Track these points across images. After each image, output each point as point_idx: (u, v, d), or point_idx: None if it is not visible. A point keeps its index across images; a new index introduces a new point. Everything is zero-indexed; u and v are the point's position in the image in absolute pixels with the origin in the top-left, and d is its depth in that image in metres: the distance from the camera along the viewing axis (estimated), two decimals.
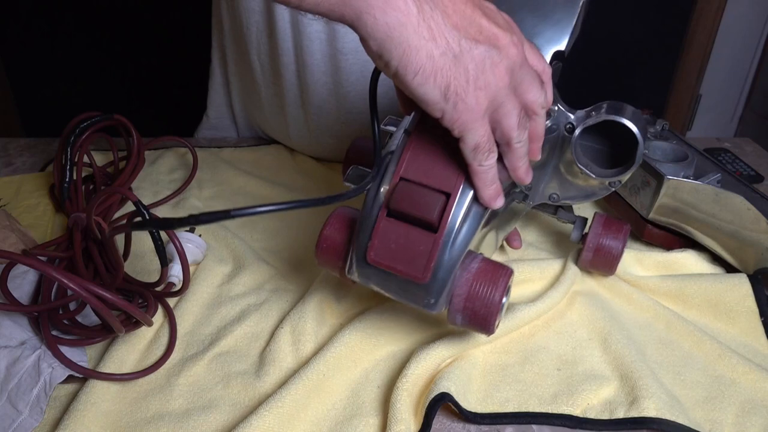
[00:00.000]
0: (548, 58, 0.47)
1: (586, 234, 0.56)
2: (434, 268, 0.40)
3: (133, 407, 0.45)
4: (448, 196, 0.40)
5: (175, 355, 0.49)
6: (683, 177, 0.56)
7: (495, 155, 0.40)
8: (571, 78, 0.63)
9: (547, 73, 0.43)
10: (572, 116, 0.49)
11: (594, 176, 0.50)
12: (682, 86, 1.85)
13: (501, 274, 0.43)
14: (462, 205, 0.41)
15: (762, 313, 0.54)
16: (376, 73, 0.42)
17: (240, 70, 0.80)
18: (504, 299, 0.42)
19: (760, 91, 1.86)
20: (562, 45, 0.47)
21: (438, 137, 0.41)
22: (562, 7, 0.48)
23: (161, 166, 0.76)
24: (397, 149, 0.43)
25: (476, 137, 0.38)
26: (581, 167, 0.49)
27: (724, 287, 0.55)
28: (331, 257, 0.46)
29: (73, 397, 0.45)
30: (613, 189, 0.51)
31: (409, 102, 0.40)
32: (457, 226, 0.40)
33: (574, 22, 0.47)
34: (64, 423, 0.42)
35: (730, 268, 0.60)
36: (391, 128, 0.55)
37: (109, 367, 0.47)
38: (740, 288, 0.55)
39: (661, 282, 0.57)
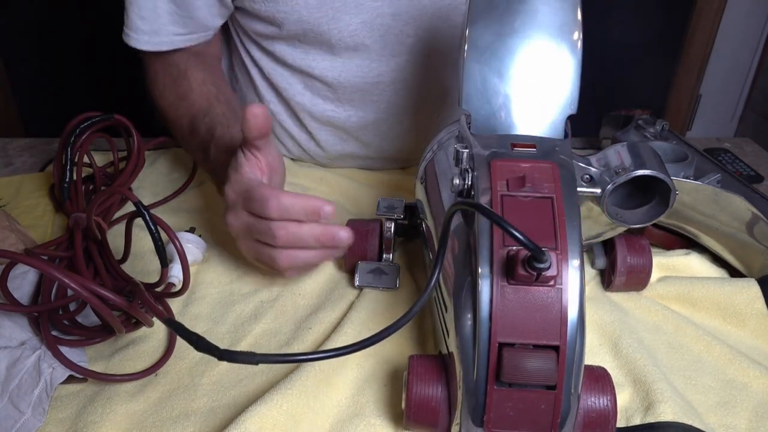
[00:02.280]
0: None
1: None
2: (560, 423, 0.37)
3: (157, 407, 0.45)
4: (557, 349, 0.36)
5: (197, 355, 0.49)
6: (683, 177, 0.56)
7: None
8: None
9: None
10: (593, 169, 0.47)
11: (628, 224, 0.48)
12: (682, 86, 1.85)
13: (603, 380, 0.40)
14: (572, 350, 0.36)
15: None
16: (449, 213, 0.38)
17: None
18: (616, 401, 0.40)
19: (760, 91, 1.86)
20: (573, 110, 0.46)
21: (520, 284, 0.36)
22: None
23: (161, 166, 0.76)
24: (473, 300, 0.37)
25: None
26: (614, 219, 0.48)
27: (732, 290, 0.55)
28: (425, 417, 0.40)
29: (88, 399, 0.45)
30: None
31: None
32: (574, 375, 0.37)
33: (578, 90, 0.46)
34: (85, 423, 0.42)
35: (732, 269, 0.59)
36: (391, 215, 0.56)
37: (109, 368, 0.47)
38: (749, 290, 0.54)
39: (668, 285, 0.57)
